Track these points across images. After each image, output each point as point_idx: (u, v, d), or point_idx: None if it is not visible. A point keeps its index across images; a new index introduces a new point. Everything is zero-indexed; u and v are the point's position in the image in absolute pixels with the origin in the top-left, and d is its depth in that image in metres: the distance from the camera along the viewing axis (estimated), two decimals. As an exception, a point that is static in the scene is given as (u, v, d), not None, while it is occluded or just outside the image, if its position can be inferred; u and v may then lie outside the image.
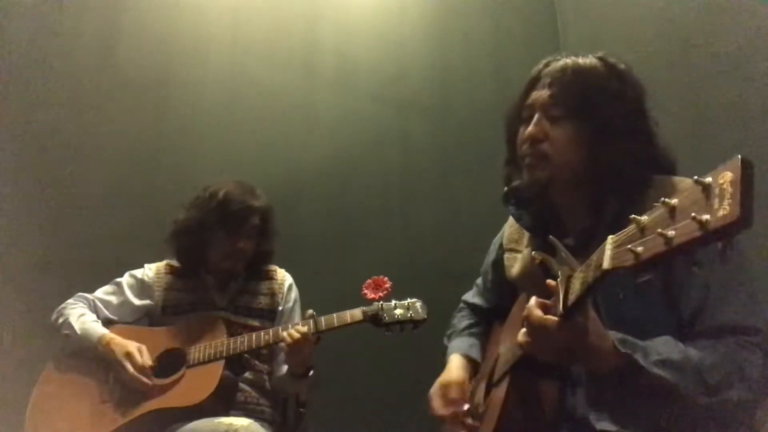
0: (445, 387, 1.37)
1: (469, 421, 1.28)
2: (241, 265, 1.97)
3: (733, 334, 0.98)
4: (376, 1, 2.99)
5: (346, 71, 2.85)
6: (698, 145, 1.79)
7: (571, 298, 0.85)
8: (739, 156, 0.54)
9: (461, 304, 1.64)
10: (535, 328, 0.93)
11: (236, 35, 2.79)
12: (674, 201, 0.62)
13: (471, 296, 1.61)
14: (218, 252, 1.93)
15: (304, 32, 2.86)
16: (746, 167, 0.54)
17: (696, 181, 0.59)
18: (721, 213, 0.54)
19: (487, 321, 1.53)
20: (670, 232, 0.60)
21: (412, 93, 2.88)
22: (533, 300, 0.96)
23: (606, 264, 0.73)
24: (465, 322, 1.55)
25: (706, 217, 0.55)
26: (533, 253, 1.04)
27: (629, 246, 0.67)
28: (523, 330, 0.98)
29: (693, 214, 0.57)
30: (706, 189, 0.57)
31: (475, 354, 1.44)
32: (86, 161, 2.51)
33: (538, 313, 0.93)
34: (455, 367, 1.41)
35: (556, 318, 0.90)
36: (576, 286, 0.84)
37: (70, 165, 2.49)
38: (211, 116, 2.68)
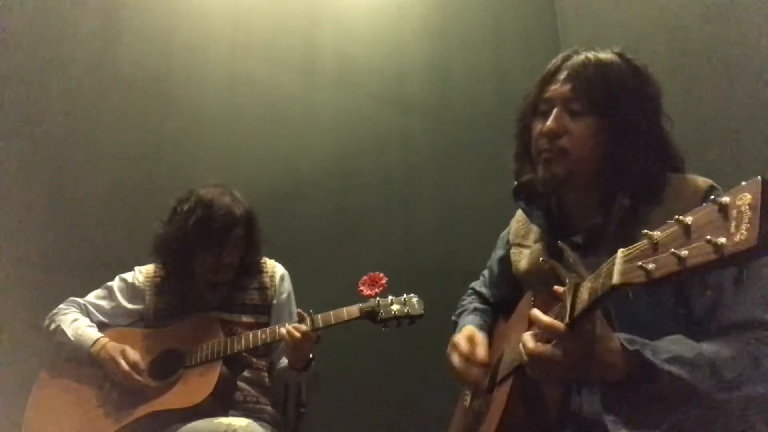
0: (471, 334, 1.36)
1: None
2: (229, 276, 1.89)
3: (750, 329, 0.95)
4: (376, 1, 2.97)
5: (346, 71, 2.84)
6: (697, 147, 1.79)
7: (579, 308, 0.85)
8: (760, 177, 0.52)
9: (469, 290, 1.63)
10: (538, 359, 0.93)
11: (236, 35, 2.77)
12: (689, 219, 0.61)
13: (478, 285, 1.60)
14: (204, 267, 1.85)
15: (304, 32, 2.84)
16: (767, 190, 0.52)
17: (713, 200, 0.57)
18: (738, 238, 0.51)
19: (493, 312, 1.52)
20: (684, 252, 0.58)
21: (412, 93, 2.87)
22: (528, 335, 0.96)
23: (616, 279, 0.72)
24: (475, 305, 1.54)
25: (721, 240, 0.53)
26: (541, 259, 1.03)
27: (640, 262, 0.66)
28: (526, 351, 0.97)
29: (708, 236, 0.55)
30: (723, 209, 0.55)
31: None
32: (86, 161, 2.49)
33: (538, 345, 0.93)
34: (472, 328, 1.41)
35: (559, 351, 0.89)
36: (584, 296, 0.83)
37: (70, 165, 2.46)
38: (210, 116, 2.67)
